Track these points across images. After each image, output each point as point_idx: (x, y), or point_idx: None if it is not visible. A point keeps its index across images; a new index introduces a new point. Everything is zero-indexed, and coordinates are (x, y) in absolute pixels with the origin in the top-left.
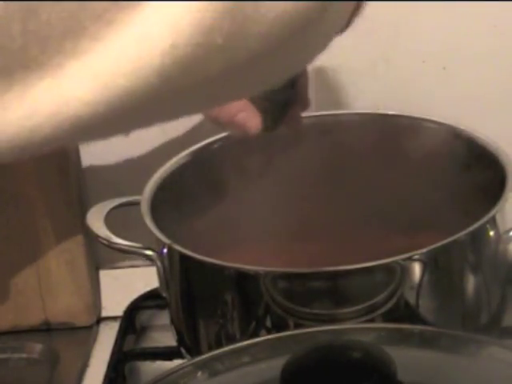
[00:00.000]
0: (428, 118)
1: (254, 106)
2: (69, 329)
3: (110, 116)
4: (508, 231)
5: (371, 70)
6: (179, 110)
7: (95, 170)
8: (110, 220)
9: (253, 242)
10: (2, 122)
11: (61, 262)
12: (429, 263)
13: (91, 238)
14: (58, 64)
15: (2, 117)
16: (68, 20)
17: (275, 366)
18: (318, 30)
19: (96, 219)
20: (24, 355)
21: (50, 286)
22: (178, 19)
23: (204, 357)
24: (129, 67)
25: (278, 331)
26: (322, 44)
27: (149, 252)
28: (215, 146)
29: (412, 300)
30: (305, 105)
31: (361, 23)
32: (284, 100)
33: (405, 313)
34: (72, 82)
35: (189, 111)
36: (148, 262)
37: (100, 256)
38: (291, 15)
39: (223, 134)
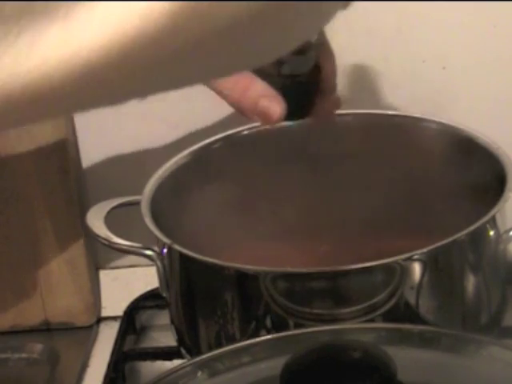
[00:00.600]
0: (428, 117)
1: (277, 92)
2: (69, 329)
3: (121, 64)
4: (508, 231)
5: (371, 69)
6: (185, 68)
7: (95, 170)
8: (110, 220)
9: (253, 242)
10: (15, 69)
11: (61, 262)
12: (429, 263)
13: (91, 237)
14: (66, 9)
15: (15, 63)
16: None
17: (275, 366)
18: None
19: (96, 219)
20: (24, 355)
21: (50, 286)
22: None
23: (204, 357)
24: (140, 8)
25: (278, 331)
26: (300, 28)
27: (149, 252)
28: (215, 145)
29: (412, 300)
30: (332, 91)
31: (361, 23)
32: (308, 85)
33: (405, 313)
34: (83, 26)
35: (194, 71)
36: (148, 262)
37: (100, 256)
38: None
39: (223, 134)
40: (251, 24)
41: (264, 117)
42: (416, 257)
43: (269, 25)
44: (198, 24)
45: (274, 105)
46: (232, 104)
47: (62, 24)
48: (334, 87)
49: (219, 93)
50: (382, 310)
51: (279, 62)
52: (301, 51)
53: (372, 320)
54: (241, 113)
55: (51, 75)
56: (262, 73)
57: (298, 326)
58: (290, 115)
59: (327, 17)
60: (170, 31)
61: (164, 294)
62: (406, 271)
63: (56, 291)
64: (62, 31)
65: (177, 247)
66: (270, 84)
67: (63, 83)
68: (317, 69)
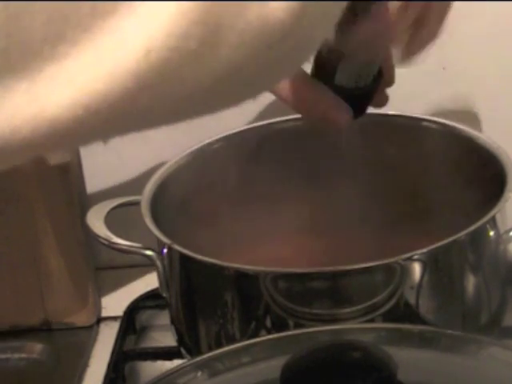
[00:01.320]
0: (428, 117)
1: (343, 99)
2: (69, 329)
3: (89, 120)
4: (508, 231)
5: None
6: (160, 117)
7: (95, 170)
8: (110, 220)
9: (253, 242)
10: None
11: (61, 262)
12: (429, 263)
13: (91, 237)
14: (36, 68)
15: None
16: (48, 25)
17: (275, 365)
18: (299, 38)
19: (96, 219)
20: (24, 355)
21: (50, 286)
22: (152, 26)
23: (204, 357)
24: (105, 72)
25: (278, 331)
26: (308, 50)
27: (149, 252)
28: (215, 146)
29: (412, 300)
30: (390, 84)
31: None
32: (374, 87)
33: (405, 313)
34: (49, 86)
35: (169, 119)
36: (148, 262)
37: (100, 256)
38: (264, 25)
39: (223, 134)
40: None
41: (332, 125)
42: (416, 257)
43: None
44: (164, 82)
45: (343, 115)
46: (300, 113)
47: (29, 81)
48: (392, 81)
49: (286, 102)
50: (382, 310)
51: (352, 74)
52: (368, 62)
53: (372, 320)
54: (307, 120)
55: (19, 129)
56: (331, 84)
57: (297, 325)
58: (356, 115)
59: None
60: (136, 93)
61: (164, 294)
62: (405, 271)
63: (56, 291)
64: (28, 89)
65: (177, 247)
66: (338, 92)
67: (32, 137)
68: (379, 73)
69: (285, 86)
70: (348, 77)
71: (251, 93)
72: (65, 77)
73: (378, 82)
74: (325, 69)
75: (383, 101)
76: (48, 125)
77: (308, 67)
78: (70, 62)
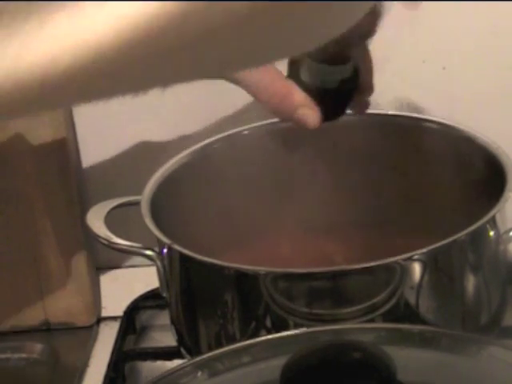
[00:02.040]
0: (428, 117)
1: (314, 99)
2: (69, 329)
3: (129, 55)
4: (508, 231)
5: None
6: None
7: (95, 170)
8: (110, 220)
9: (253, 242)
10: (24, 52)
11: (61, 262)
12: (429, 263)
13: (91, 237)
14: (49, 8)
15: (23, 45)
16: None
17: (275, 365)
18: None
19: (96, 219)
20: (24, 355)
21: (50, 286)
22: None
23: (204, 357)
24: (132, 10)
25: (278, 331)
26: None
27: (149, 252)
28: (215, 145)
29: (412, 300)
30: (369, 90)
31: None
32: (346, 90)
33: (405, 313)
34: (91, 16)
35: (176, 75)
36: (148, 262)
37: (100, 256)
38: None
39: (223, 134)
40: (258, 22)
41: (301, 124)
42: (416, 257)
43: (273, 25)
44: (206, 15)
45: (311, 114)
46: (270, 110)
47: (70, 10)
48: (371, 87)
49: (259, 99)
50: (382, 310)
51: (317, 74)
52: (340, 61)
53: (372, 320)
54: (278, 118)
55: (60, 60)
56: (300, 83)
57: (297, 325)
58: (328, 117)
59: (349, 16)
60: (177, 25)
61: (164, 294)
62: (405, 271)
63: (56, 291)
64: (71, 17)
65: (177, 247)
66: (308, 91)
67: (71, 69)
68: (355, 73)
69: (257, 81)
70: (312, 75)
71: (229, 62)
72: (106, 10)
73: (350, 86)
74: (294, 67)
75: (362, 107)
76: (90, 56)
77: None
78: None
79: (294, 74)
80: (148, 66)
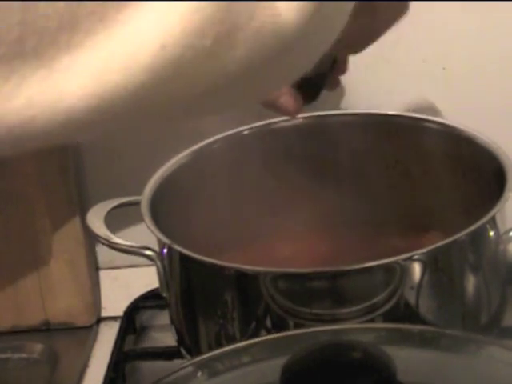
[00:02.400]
0: (428, 118)
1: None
2: (69, 329)
3: (104, 112)
4: (508, 231)
5: (371, 69)
6: (172, 115)
7: (95, 169)
8: (110, 220)
9: (253, 242)
10: (2, 112)
11: (61, 262)
12: (429, 263)
13: (91, 237)
14: (52, 56)
15: (2, 106)
16: (64, 14)
17: (275, 365)
18: (311, 39)
19: (96, 219)
20: (24, 355)
21: (50, 286)
22: (168, 20)
23: (204, 357)
24: (119, 64)
25: (278, 331)
26: (319, 49)
27: (149, 252)
28: (215, 146)
29: (412, 300)
30: (343, 70)
31: None
32: (323, 77)
33: (405, 313)
34: (66, 75)
35: (180, 118)
36: (148, 262)
37: (100, 256)
38: (277, 25)
39: (223, 134)
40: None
41: (283, 112)
42: (416, 257)
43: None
44: (178, 78)
45: (293, 101)
46: None
47: (47, 69)
48: (344, 67)
49: None
50: (382, 310)
51: None
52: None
53: (372, 320)
54: (264, 106)
55: (37, 118)
56: None
57: (297, 325)
58: (307, 100)
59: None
60: (150, 87)
61: (164, 294)
62: (406, 271)
63: (56, 291)
64: (44, 78)
65: (177, 247)
66: None
67: (48, 125)
68: (332, 62)
69: None
70: None
71: (261, 94)
72: (80, 67)
73: (330, 70)
74: None
75: (334, 85)
76: (64, 114)
77: None
78: (85, 52)
79: None
80: (123, 121)
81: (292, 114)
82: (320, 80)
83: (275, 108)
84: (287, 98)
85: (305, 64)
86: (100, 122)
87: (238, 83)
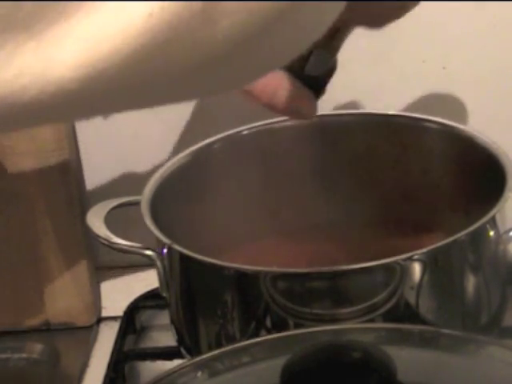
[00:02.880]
0: (428, 117)
1: (302, 84)
2: (69, 329)
3: (95, 83)
4: (508, 231)
5: (371, 69)
6: (158, 91)
7: (95, 170)
8: (110, 220)
9: (252, 242)
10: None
11: (61, 262)
12: (429, 263)
13: (91, 237)
14: (44, 26)
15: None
16: None
17: (275, 365)
18: (298, 23)
19: (96, 219)
20: (24, 355)
21: (50, 286)
22: None
23: (204, 357)
24: (109, 33)
25: (278, 331)
26: (317, 23)
27: (149, 252)
28: (215, 146)
29: (412, 300)
30: None
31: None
32: (330, 71)
33: (405, 313)
34: (57, 45)
35: (166, 96)
36: (148, 262)
37: (100, 256)
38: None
39: (223, 134)
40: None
41: (297, 116)
42: (416, 257)
43: (265, 37)
44: (168, 51)
45: (306, 105)
46: (264, 105)
47: (38, 39)
48: None
49: (250, 94)
50: (382, 310)
51: (304, 62)
52: (323, 47)
53: (372, 320)
54: (273, 112)
55: (27, 88)
56: (290, 72)
57: (298, 326)
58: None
59: (333, 14)
60: (138, 56)
61: (164, 294)
62: (406, 271)
63: (56, 291)
64: (37, 48)
65: (177, 247)
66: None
67: (40, 97)
68: (334, 55)
69: None
70: (316, 64)
71: (258, 70)
72: (71, 37)
73: (335, 65)
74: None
75: None
76: (55, 84)
77: None
78: (76, 23)
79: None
80: (114, 94)
81: (307, 118)
82: (327, 78)
83: (287, 114)
84: (300, 103)
85: (301, 39)
86: (91, 95)
87: (231, 55)
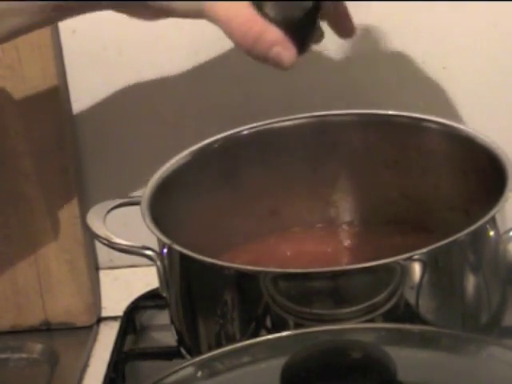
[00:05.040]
0: (428, 117)
1: (284, 30)
2: (69, 329)
3: None
4: (508, 231)
5: (370, 69)
6: None
7: (95, 169)
8: (110, 220)
9: (252, 242)
10: None
11: (61, 262)
12: (429, 263)
13: (91, 237)
14: None
15: None
16: None
17: (275, 365)
18: None
19: (96, 219)
20: (24, 355)
21: (50, 285)
22: None
23: (204, 357)
24: None
25: (278, 331)
26: None
27: (149, 252)
28: (215, 145)
29: (412, 300)
30: (344, 12)
31: (361, 23)
32: (311, 20)
33: (405, 313)
34: None
35: None
36: (148, 262)
37: (100, 256)
38: None
39: (223, 134)
40: None
41: (276, 64)
42: (416, 257)
43: None
44: None
45: (286, 52)
46: (244, 51)
47: None
48: (344, 7)
49: (231, 37)
50: (382, 310)
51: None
52: None
53: (372, 320)
54: (253, 58)
55: None
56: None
57: (297, 326)
58: (300, 50)
59: None
60: None
61: (164, 294)
62: (406, 271)
63: (56, 291)
64: None
65: (177, 247)
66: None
67: None
68: (315, 7)
69: (231, 18)
70: (274, 7)
71: None
72: None
73: (312, 15)
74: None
75: (348, 30)
76: None
77: None
78: None
79: (258, 8)
80: None
81: (285, 66)
82: (309, 26)
83: (267, 61)
84: (280, 49)
85: None
86: None
87: None
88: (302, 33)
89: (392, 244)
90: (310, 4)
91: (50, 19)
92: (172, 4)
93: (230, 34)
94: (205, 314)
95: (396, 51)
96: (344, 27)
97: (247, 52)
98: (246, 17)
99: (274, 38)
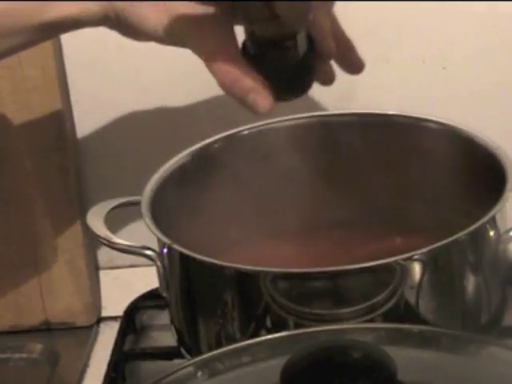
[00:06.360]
0: (428, 117)
1: (265, 78)
2: (69, 329)
3: None
4: (508, 231)
5: (371, 69)
6: None
7: (95, 169)
8: (110, 220)
9: (252, 242)
10: None
11: (61, 262)
12: (429, 263)
13: (91, 237)
14: None
15: None
16: None
17: (275, 365)
18: None
19: (96, 219)
20: (24, 355)
21: (50, 286)
22: None
23: (204, 357)
24: None
25: (278, 331)
26: None
27: (149, 252)
28: (215, 145)
29: (412, 300)
30: (328, 55)
31: (361, 23)
32: (305, 63)
33: (405, 313)
34: None
35: None
36: (148, 262)
37: (100, 256)
38: None
39: (223, 134)
40: None
41: (252, 110)
42: (416, 257)
43: None
44: None
45: (262, 100)
46: (224, 91)
47: None
48: (329, 52)
49: (211, 71)
50: (382, 310)
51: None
52: (286, 38)
53: (372, 320)
54: (232, 98)
55: None
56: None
57: (298, 326)
58: (284, 99)
59: None
60: None
61: (164, 294)
62: (406, 271)
63: (56, 291)
64: None
65: (177, 247)
66: (264, 67)
67: None
68: (310, 45)
69: (213, 55)
70: (262, 56)
71: None
72: None
73: (309, 52)
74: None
75: (326, 76)
76: None
77: None
78: None
79: (245, 52)
80: None
81: (261, 113)
82: (304, 67)
83: (244, 105)
84: (256, 96)
85: None
86: None
87: None
88: (291, 78)
89: (392, 244)
90: (299, 55)
91: (44, 38)
92: (158, 32)
93: (210, 67)
94: (205, 314)
95: (396, 51)
96: (351, 63)
97: (225, 91)
98: (229, 56)
99: (251, 86)
